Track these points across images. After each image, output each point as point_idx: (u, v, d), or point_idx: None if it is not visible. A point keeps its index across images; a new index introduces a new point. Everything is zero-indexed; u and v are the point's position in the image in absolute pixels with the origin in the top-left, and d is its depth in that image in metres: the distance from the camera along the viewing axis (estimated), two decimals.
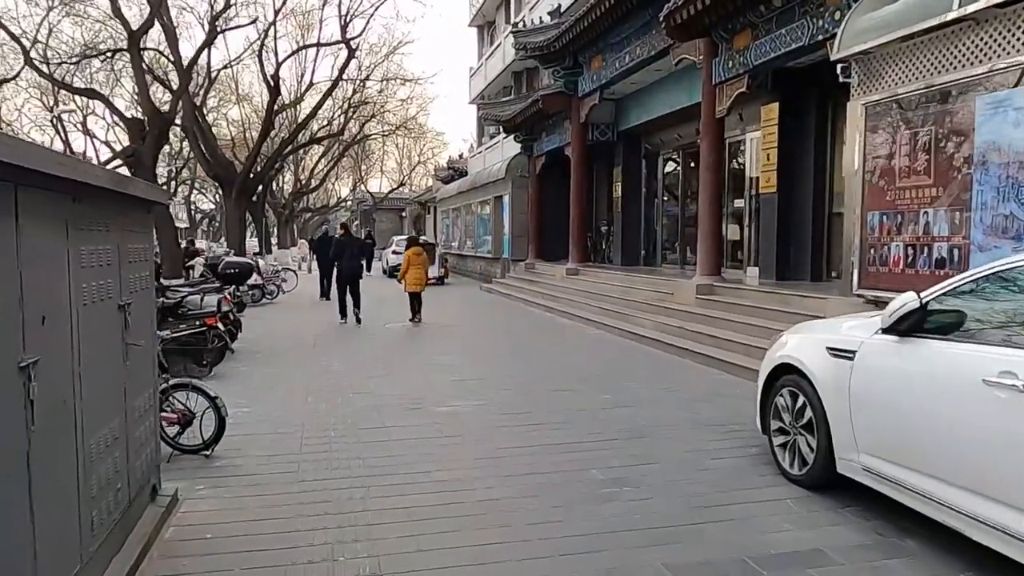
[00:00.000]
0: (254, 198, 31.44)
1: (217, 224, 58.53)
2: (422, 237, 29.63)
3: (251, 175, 22.09)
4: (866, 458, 4.03)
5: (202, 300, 9.38)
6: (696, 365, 9.08)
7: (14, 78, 31.46)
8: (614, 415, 6.50)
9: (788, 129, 11.51)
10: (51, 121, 37.99)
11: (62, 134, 36.74)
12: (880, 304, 6.08)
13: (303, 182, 44.85)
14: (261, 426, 6.18)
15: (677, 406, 6.85)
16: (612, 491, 4.53)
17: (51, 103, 37.38)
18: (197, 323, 8.40)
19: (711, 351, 9.29)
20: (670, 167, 17.29)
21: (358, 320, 13.26)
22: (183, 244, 25.50)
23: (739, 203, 13.57)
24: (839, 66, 7.88)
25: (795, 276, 11.58)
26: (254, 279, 16.69)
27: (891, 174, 7.33)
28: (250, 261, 11.43)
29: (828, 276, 11.39)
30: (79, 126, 39.64)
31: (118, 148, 40.92)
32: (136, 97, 19.17)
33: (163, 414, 5.27)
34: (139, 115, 15.76)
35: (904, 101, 7.15)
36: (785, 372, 4.82)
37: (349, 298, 13.37)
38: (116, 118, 18.37)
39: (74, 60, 20.59)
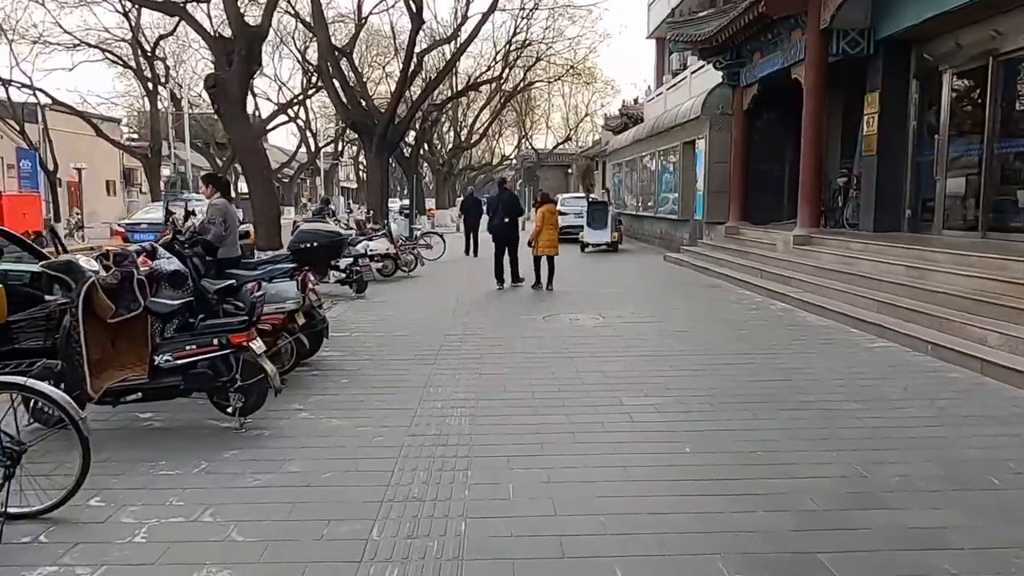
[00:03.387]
0: (406, 153, 28.69)
1: None
2: (591, 195, 25.47)
3: (394, 123, 18.83)
4: None
5: (251, 293, 5.84)
6: None
7: (171, 32, 30.76)
8: None
9: None
10: None
11: None
12: None
13: (463, 137, 41.91)
14: None
15: None
16: None
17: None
18: (215, 341, 4.83)
19: None
20: (967, 88, 11.74)
21: (514, 281, 12.48)
22: (317, 202, 23.05)
23: None
24: None
25: None
26: (384, 247, 13.36)
27: None
28: (338, 230, 7.81)
29: None
30: None
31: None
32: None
33: None
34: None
35: None
36: None
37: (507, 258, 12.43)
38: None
39: None
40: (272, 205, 10.97)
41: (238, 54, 10.15)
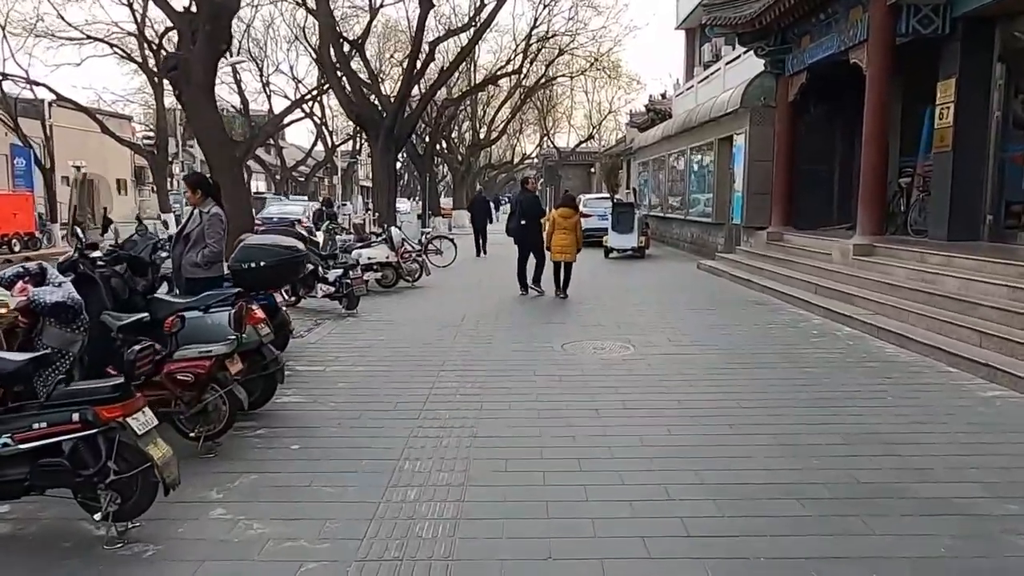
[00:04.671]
0: (420, 150, 27.24)
1: (402, 182, 55.26)
2: (616, 196, 23.82)
3: (402, 116, 17.29)
4: None
5: (168, 331, 4.33)
6: None
7: (170, 29, 29.51)
8: None
9: None
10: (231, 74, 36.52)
11: (237, 88, 35.19)
12: None
13: (482, 135, 40.30)
14: None
15: None
16: None
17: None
18: (75, 416, 3.30)
19: None
20: None
21: (534, 284, 11.65)
22: (319, 203, 21.62)
23: None
24: None
25: None
26: (383, 255, 11.85)
27: None
28: (296, 245, 6.21)
29: None
30: (258, 77, 38.58)
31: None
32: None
33: None
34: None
35: None
36: None
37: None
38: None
39: None
40: (248, 211, 9.50)
41: (202, 30, 8.68)
